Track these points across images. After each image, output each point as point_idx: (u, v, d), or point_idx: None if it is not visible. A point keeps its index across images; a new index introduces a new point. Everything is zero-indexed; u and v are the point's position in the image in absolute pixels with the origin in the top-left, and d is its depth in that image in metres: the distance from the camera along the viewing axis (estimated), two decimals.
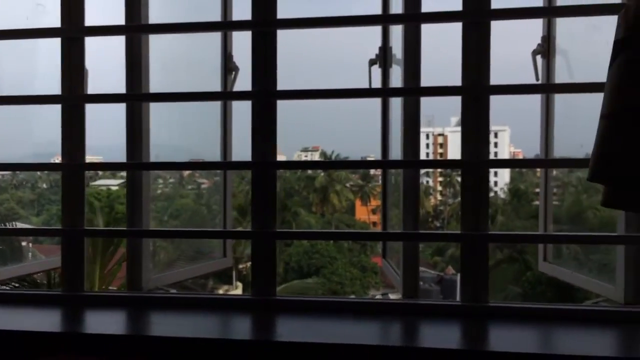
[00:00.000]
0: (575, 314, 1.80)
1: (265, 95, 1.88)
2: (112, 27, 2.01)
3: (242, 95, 1.98)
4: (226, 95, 2.35)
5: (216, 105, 2.46)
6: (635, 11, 1.31)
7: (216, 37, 2.48)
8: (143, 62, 2.03)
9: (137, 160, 2.02)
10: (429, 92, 1.87)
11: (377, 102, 2.64)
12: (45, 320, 1.85)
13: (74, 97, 1.98)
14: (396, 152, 2.29)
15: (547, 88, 2.21)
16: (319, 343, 1.60)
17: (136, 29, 2.00)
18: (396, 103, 2.24)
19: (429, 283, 24.29)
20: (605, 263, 1.89)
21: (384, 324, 1.79)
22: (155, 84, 2.09)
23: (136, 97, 2.00)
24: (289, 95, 1.91)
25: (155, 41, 2.10)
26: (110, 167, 2.39)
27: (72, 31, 1.98)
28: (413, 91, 1.90)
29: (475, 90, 1.78)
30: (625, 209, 1.46)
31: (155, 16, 2.08)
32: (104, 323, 1.85)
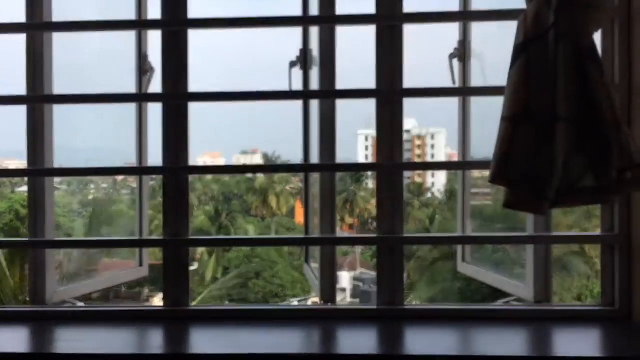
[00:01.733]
0: (489, 313, 1.83)
1: (176, 97, 1.81)
2: (10, 24, 1.88)
3: (151, 97, 1.90)
4: (134, 98, 2.25)
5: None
6: (533, 17, 1.34)
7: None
8: (46, 62, 1.91)
9: (39, 166, 1.90)
10: (343, 94, 1.86)
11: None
12: None
13: None
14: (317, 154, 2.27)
15: (461, 91, 2.25)
16: (236, 354, 1.56)
17: (38, 27, 1.89)
18: (317, 105, 2.22)
19: (369, 284, 24.58)
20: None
21: (302, 331, 1.77)
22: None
23: (37, 99, 1.88)
24: (201, 97, 1.85)
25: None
26: (9, 174, 2.24)
27: None
28: (328, 94, 1.88)
29: (389, 93, 1.78)
30: (524, 211, 1.49)
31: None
32: (3, 341, 1.73)
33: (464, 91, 2.25)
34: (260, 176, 38.66)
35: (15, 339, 1.75)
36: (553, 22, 1.32)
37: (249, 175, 39.85)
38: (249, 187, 40.01)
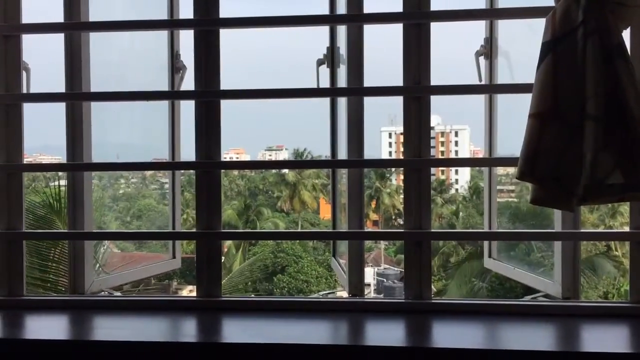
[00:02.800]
0: (516, 308, 1.84)
1: (208, 95, 1.87)
2: (50, 24, 1.96)
3: (184, 95, 1.95)
4: (168, 95, 2.32)
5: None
6: (561, 15, 1.35)
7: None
8: (84, 60, 1.98)
9: (78, 160, 1.98)
10: (371, 92, 1.89)
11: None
12: None
13: (9, 96, 1.92)
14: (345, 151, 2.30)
15: (487, 89, 2.26)
16: (267, 344, 1.59)
17: (75, 27, 1.96)
18: (344, 102, 2.25)
19: (392, 280, 24.57)
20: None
21: (331, 322, 1.80)
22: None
23: (75, 96, 1.95)
24: (232, 94, 1.90)
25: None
26: (49, 169, 2.33)
27: (8, 28, 1.92)
28: (356, 91, 1.92)
29: (416, 90, 1.81)
30: (551, 207, 1.50)
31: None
32: (44, 328, 1.81)
33: (491, 88, 2.26)
34: (286, 171, 38.93)
35: (56, 326, 1.83)
36: (582, 20, 1.33)
37: (274, 170, 40.04)
38: (276, 181, 40.26)
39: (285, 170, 37.82)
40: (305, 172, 38.30)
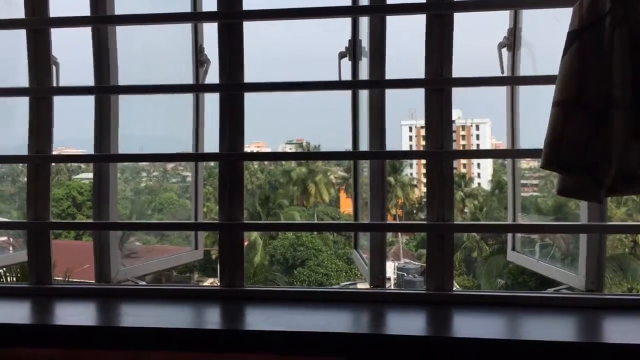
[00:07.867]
0: (538, 300, 1.83)
1: (232, 88, 1.89)
2: (77, 18, 1.99)
3: (209, 88, 1.98)
4: (193, 88, 2.35)
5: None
6: (589, 3, 1.34)
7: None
8: (111, 54, 2.02)
9: (105, 152, 2.01)
10: (393, 84, 1.89)
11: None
12: (13, 313, 1.84)
13: (40, 89, 1.97)
14: (366, 143, 2.31)
15: (510, 80, 2.24)
16: (288, 331, 1.61)
17: (102, 20, 1.99)
18: (365, 95, 2.26)
19: (413, 274, 24.50)
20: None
21: (353, 312, 1.81)
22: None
23: (104, 89, 1.99)
24: (256, 87, 1.92)
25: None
26: (76, 160, 2.38)
27: (37, 22, 1.96)
28: (378, 83, 1.92)
29: (438, 82, 1.80)
30: (579, 198, 1.49)
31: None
32: (73, 315, 1.85)
33: (514, 80, 2.24)
34: (299, 167, 38.94)
35: (84, 313, 1.87)
36: (609, 9, 1.32)
37: (293, 164, 40.12)
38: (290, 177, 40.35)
39: (294, 165, 37.79)
40: (314, 166, 38.18)
